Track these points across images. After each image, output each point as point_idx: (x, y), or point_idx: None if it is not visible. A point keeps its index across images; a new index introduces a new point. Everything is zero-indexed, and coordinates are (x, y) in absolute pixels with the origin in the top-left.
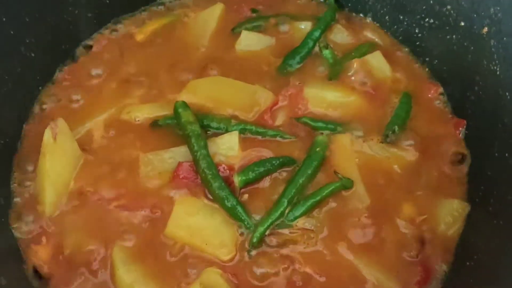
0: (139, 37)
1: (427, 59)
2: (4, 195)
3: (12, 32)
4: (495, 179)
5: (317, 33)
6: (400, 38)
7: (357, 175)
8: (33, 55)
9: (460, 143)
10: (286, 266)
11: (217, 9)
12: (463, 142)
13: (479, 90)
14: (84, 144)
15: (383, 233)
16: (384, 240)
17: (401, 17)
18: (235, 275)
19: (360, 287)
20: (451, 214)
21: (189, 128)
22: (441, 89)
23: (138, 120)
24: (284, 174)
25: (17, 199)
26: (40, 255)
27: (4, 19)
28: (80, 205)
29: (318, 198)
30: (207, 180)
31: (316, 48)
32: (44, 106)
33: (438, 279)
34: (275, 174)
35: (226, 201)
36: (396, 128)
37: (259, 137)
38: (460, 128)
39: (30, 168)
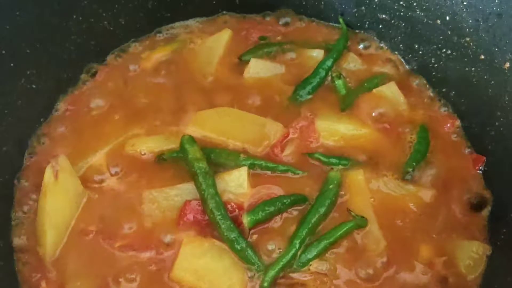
0: (144, 65)
1: (443, 90)
2: (3, 236)
3: (12, 65)
4: None
5: (329, 62)
6: (415, 67)
7: (372, 214)
8: (34, 86)
9: (480, 181)
10: None
11: (224, 36)
12: (483, 181)
13: (500, 126)
14: (87, 181)
15: (401, 276)
16: (402, 284)
17: (416, 46)
18: None
19: None
20: (471, 256)
21: (196, 165)
22: (458, 123)
23: (144, 154)
24: (295, 212)
25: (17, 241)
26: None
27: (3, 52)
28: (82, 246)
29: (332, 239)
30: (216, 221)
31: (328, 78)
32: (45, 140)
33: None
34: (286, 213)
35: (235, 243)
36: (416, 164)
37: (269, 173)
38: (480, 165)
39: (30, 207)
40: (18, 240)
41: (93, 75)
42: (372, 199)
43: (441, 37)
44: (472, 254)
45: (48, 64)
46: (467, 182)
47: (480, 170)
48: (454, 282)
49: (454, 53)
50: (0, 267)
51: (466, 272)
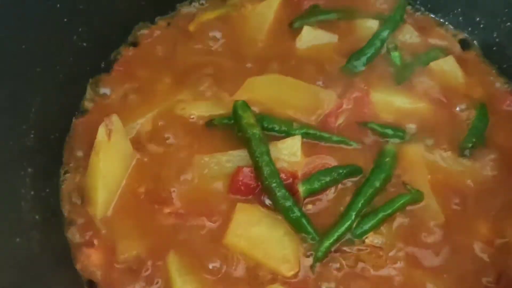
0: (193, 28)
1: (504, 66)
2: (53, 196)
3: (65, 20)
4: None
5: (385, 33)
6: (475, 42)
7: (429, 189)
8: (85, 44)
9: None
10: (352, 285)
11: (275, 1)
12: None
13: None
14: (136, 143)
15: (458, 254)
16: (459, 262)
17: (478, 18)
18: None
19: None
20: None
21: (250, 131)
22: None
23: (193, 118)
24: (349, 184)
25: (66, 199)
26: (93, 260)
27: (58, 5)
28: (132, 208)
29: (388, 211)
30: (270, 189)
31: (384, 49)
32: (94, 100)
33: None
34: (340, 185)
35: (290, 212)
36: (475, 140)
37: (322, 143)
38: None
39: (79, 166)
40: (68, 199)
41: (143, 38)
42: (429, 174)
43: (506, 10)
44: None
45: (99, 23)
46: None
47: None
48: None
49: None
50: (50, 225)
51: None
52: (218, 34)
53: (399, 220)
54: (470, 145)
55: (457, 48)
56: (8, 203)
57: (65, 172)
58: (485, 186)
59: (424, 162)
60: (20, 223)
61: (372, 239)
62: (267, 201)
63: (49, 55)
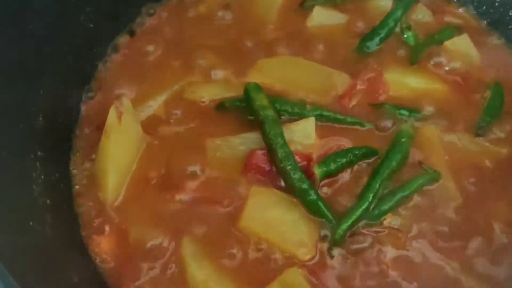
0: (201, 9)
1: None
2: (64, 181)
3: (73, 0)
4: None
5: (399, 13)
6: (489, 20)
7: (446, 169)
8: (91, 25)
9: None
10: (371, 268)
11: None
12: None
13: None
14: (147, 126)
15: (477, 235)
16: (479, 242)
17: None
18: (315, 274)
19: None
20: None
21: (263, 114)
22: None
23: (204, 101)
24: (365, 166)
25: (77, 184)
26: (104, 247)
27: None
28: (143, 193)
29: (406, 192)
30: (286, 171)
31: (397, 29)
32: (103, 82)
33: None
34: (355, 166)
35: (306, 195)
36: (490, 119)
37: (336, 125)
38: None
39: (89, 150)
40: (79, 184)
41: (150, 18)
42: (446, 155)
43: None
44: None
45: (106, 3)
46: None
47: None
48: None
49: None
50: (62, 210)
51: None
52: (227, 15)
53: (417, 201)
54: (485, 124)
55: (471, 28)
56: (20, 185)
57: (75, 156)
58: (502, 165)
59: (440, 143)
60: (33, 206)
61: (390, 220)
62: (281, 182)
63: (56, 36)
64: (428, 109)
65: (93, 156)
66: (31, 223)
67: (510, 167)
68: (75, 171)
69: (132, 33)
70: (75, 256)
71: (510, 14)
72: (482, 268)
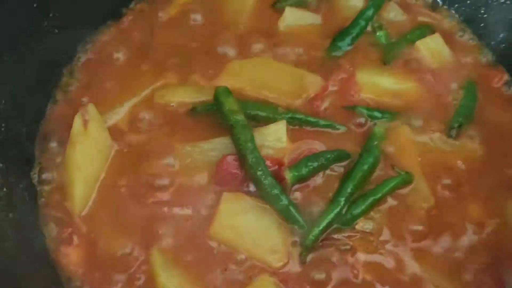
0: (171, 11)
1: (492, 42)
2: (28, 192)
3: (35, 5)
4: None
5: (370, 12)
6: (462, 18)
7: (419, 171)
8: (56, 31)
9: None
10: (343, 274)
11: None
12: None
13: None
14: (115, 133)
15: (449, 237)
16: (450, 245)
17: None
18: (286, 282)
19: None
20: None
21: (233, 118)
22: (506, 77)
23: (173, 105)
24: (337, 169)
25: (42, 194)
26: (72, 259)
27: None
28: (112, 202)
29: (378, 195)
30: (256, 177)
31: (369, 28)
32: (69, 89)
33: None
34: (327, 170)
35: (278, 200)
36: (463, 120)
37: (308, 128)
38: None
39: (54, 160)
40: (45, 195)
41: (117, 22)
42: (419, 156)
43: None
44: None
45: (71, 7)
46: None
47: None
48: (506, 245)
49: (508, 1)
50: (26, 224)
51: None
52: (198, 17)
53: (389, 204)
54: (457, 125)
55: (443, 26)
56: None
57: (40, 167)
58: (475, 166)
59: (413, 144)
60: None
61: (362, 224)
62: (252, 188)
63: (18, 43)
64: (401, 110)
65: (59, 166)
66: None
67: (483, 167)
68: (40, 182)
69: (99, 38)
70: (42, 270)
71: (482, 12)
72: (454, 269)
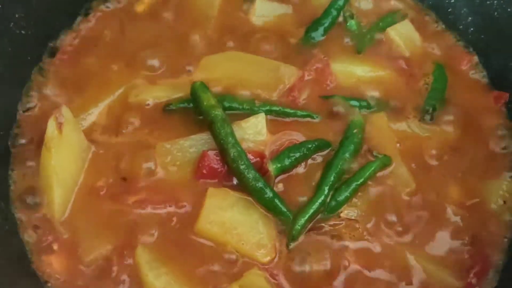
0: (140, 8)
1: (460, 27)
2: (3, 198)
3: (0, 6)
4: None
5: (341, 2)
6: (431, 3)
7: (399, 156)
8: (23, 32)
9: (503, 118)
10: (331, 261)
11: None
12: (506, 118)
13: None
14: (91, 134)
15: (431, 219)
16: (434, 226)
17: None
18: (275, 275)
19: (410, 281)
20: (502, 195)
21: (212, 113)
22: (475, 60)
23: (148, 104)
24: (319, 159)
25: (18, 202)
26: (55, 267)
27: None
28: (92, 204)
29: (360, 180)
30: (239, 171)
31: (340, 18)
32: (40, 92)
33: (495, 268)
34: (309, 160)
35: (262, 193)
36: (435, 103)
37: (287, 119)
38: (502, 102)
39: (29, 163)
40: (20, 201)
41: (85, 22)
42: (398, 142)
43: None
44: (503, 192)
45: (37, 7)
46: (491, 119)
47: (503, 107)
48: (486, 223)
49: None
50: (4, 232)
51: (499, 212)
52: (167, 14)
53: (372, 190)
54: (430, 109)
55: (413, 12)
56: None
57: (14, 173)
58: (451, 148)
59: (391, 131)
60: None
61: (347, 212)
62: (235, 181)
63: None
64: (377, 97)
65: (35, 170)
66: None
67: (459, 149)
68: (15, 188)
69: (68, 38)
70: (23, 279)
71: None
72: (437, 251)
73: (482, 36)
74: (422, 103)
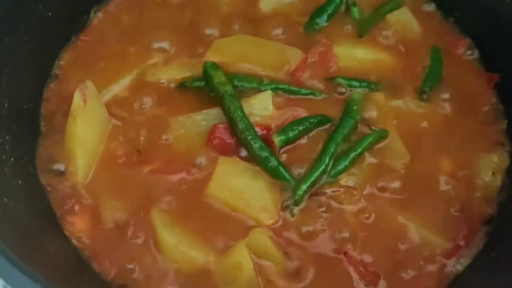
0: None
1: (455, 14)
2: (32, 164)
3: None
4: None
5: None
6: None
7: (395, 131)
8: (50, 14)
9: (495, 96)
10: (330, 224)
11: None
12: (498, 97)
13: None
14: (111, 108)
15: (424, 188)
16: (427, 195)
17: None
18: (279, 234)
19: (404, 242)
20: (491, 167)
21: (223, 89)
22: (469, 43)
23: (163, 82)
24: (320, 132)
25: (45, 167)
26: (78, 226)
27: None
28: (112, 171)
29: (358, 150)
30: (247, 142)
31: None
32: (65, 67)
33: (483, 233)
34: (311, 133)
35: (268, 162)
36: (432, 84)
37: (292, 96)
38: (494, 83)
39: (56, 134)
40: (47, 166)
41: (108, 6)
42: (394, 119)
43: None
44: (492, 165)
45: None
46: (483, 99)
47: (494, 88)
48: (476, 193)
49: None
50: (34, 192)
51: (488, 183)
52: (181, 0)
53: (369, 161)
54: (427, 89)
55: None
56: None
57: (42, 140)
58: (444, 125)
59: (388, 108)
60: (7, 185)
61: (345, 180)
62: (244, 153)
63: (15, 27)
64: (376, 78)
65: (60, 140)
66: (5, 199)
67: (452, 127)
68: (42, 154)
69: (91, 20)
70: (51, 235)
71: None
72: (429, 216)
73: (476, 22)
74: (419, 84)
